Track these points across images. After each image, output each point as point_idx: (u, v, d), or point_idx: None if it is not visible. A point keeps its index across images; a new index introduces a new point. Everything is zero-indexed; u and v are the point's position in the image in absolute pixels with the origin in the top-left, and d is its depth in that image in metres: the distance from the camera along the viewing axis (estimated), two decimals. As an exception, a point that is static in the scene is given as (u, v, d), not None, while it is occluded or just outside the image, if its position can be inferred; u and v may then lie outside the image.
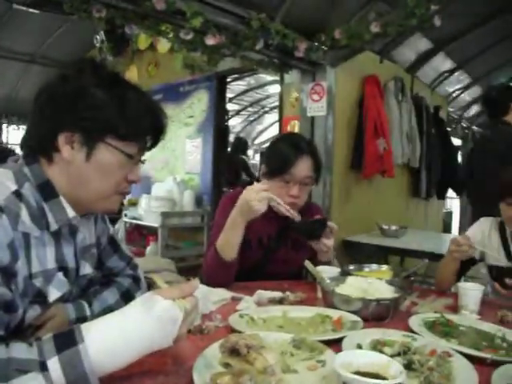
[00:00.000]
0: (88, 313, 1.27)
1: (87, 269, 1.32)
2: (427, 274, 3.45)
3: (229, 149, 7.31)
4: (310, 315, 1.52)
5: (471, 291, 1.75)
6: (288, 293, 1.79)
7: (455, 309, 1.77)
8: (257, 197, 1.80)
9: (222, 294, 1.72)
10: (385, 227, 4.60)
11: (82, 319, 1.21)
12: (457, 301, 1.78)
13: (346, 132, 4.51)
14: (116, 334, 0.94)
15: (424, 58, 5.40)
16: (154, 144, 1.26)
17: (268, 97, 9.68)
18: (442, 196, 6.26)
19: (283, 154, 2.04)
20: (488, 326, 1.53)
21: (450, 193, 6.59)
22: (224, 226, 1.91)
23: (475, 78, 6.71)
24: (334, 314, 1.53)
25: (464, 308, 1.73)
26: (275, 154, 2.11)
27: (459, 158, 7.00)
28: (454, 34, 5.10)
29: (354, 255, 4.32)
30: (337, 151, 4.36)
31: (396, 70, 5.15)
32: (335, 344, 1.27)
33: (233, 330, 1.36)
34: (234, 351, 1.06)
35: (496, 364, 1.21)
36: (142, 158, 1.26)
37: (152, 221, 4.91)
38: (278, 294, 1.76)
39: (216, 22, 3.29)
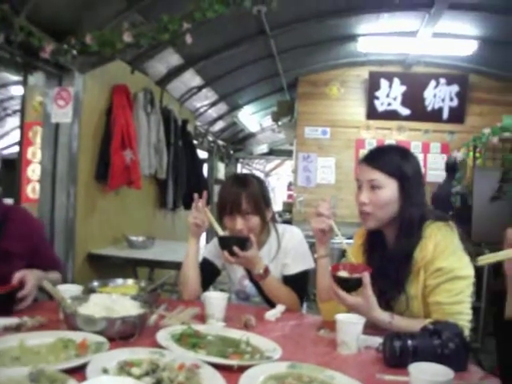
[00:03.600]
0: None
1: None
2: (176, 284, 3.50)
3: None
4: (50, 341, 1.37)
5: (215, 300, 1.80)
6: (26, 318, 1.58)
7: (203, 318, 1.79)
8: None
9: None
10: (132, 239, 4.54)
11: None
12: (203, 310, 1.81)
13: (92, 141, 4.32)
14: None
15: (175, 72, 5.55)
16: None
17: (12, 98, 8.84)
18: (188, 206, 6.47)
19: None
20: (233, 332, 1.58)
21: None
22: None
23: (221, 96, 7.17)
24: (78, 336, 1.40)
25: (211, 317, 1.76)
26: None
27: (205, 171, 7.38)
28: (204, 53, 5.36)
29: (101, 269, 4.15)
30: (82, 161, 4.13)
31: (147, 82, 5.16)
32: (80, 371, 1.16)
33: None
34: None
35: (244, 368, 1.25)
36: None
37: None
38: (13, 321, 1.55)
39: None
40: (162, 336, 1.48)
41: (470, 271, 1.66)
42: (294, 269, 2.20)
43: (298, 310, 2.17)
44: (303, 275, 2.21)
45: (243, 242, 2.03)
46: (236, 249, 2.00)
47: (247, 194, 2.11)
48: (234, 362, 1.31)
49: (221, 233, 2.09)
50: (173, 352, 1.34)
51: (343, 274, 1.65)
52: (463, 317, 1.63)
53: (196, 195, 2.15)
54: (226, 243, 2.05)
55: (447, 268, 1.63)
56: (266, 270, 2.09)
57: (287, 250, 2.22)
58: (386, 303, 1.73)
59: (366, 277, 1.58)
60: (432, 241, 1.68)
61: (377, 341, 1.49)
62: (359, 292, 1.62)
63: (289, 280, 2.20)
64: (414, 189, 1.75)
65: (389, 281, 1.73)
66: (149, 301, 1.76)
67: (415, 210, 1.73)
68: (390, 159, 1.76)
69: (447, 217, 1.79)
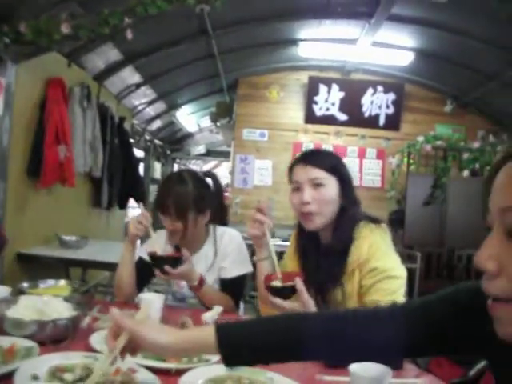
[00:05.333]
0: None
1: None
2: (111, 285, 3.41)
3: None
4: (-26, 346, 1.28)
5: (151, 301, 1.75)
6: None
7: (139, 321, 1.74)
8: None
9: None
10: (65, 238, 4.38)
11: None
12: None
13: (24, 135, 4.12)
14: None
15: (113, 68, 5.40)
16: None
17: None
18: (123, 206, 6.34)
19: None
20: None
21: (132, 203, 6.73)
22: None
23: (160, 94, 7.06)
24: (5, 341, 1.32)
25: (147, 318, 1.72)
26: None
27: (141, 170, 7.25)
28: (145, 50, 5.26)
29: (31, 270, 3.98)
30: (13, 156, 3.93)
31: (84, 76, 5.00)
32: (8, 379, 1.09)
33: None
34: None
35: (182, 372, 1.23)
36: None
37: None
38: None
39: None
40: (95, 339, 1.43)
41: (402, 271, 1.71)
42: (231, 272, 2.19)
43: (235, 313, 2.16)
44: (241, 279, 2.20)
45: (175, 261, 1.97)
46: (168, 268, 1.94)
47: (176, 197, 2.07)
48: (171, 365, 1.28)
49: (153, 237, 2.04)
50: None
51: (277, 283, 1.66)
52: None
53: (144, 212, 2.09)
54: (157, 262, 1.98)
55: (381, 268, 1.67)
56: (201, 281, 2.06)
57: (226, 254, 2.21)
58: (324, 304, 1.74)
59: (299, 283, 1.59)
60: (366, 241, 1.71)
61: None
62: (296, 298, 1.62)
63: (226, 283, 2.18)
64: (351, 188, 1.80)
65: (324, 281, 1.75)
66: (82, 302, 1.69)
67: (353, 210, 1.78)
68: (328, 158, 1.81)
69: (379, 219, 1.83)
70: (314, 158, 1.80)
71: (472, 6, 4.60)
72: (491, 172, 0.70)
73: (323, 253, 1.80)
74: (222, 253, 2.21)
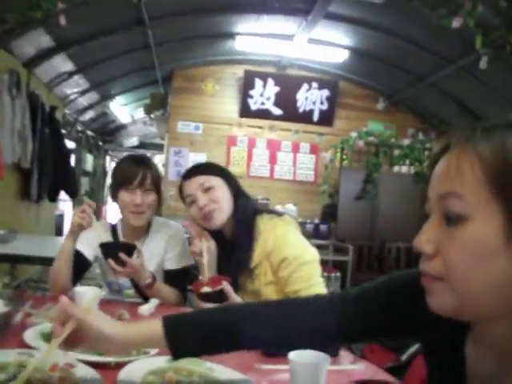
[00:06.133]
0: None
1: None
2: (42, 280, 3.30)
3: None
4: None
5: (86, 295, 1.72)
6: None
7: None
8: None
9: None
10: (-8, 232, 4.19)
11: None
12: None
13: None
14: None
15: (44, 55, 5.20)
16: None
17: None
18: (53, 199, 6.13)
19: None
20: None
21: (63, 196, 6.54)
22: None
23: (93, 84, 6.87)
24: None
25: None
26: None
27: (72, 161, 7.03)
28: (78, 38, 5.09)
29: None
30: None
31: (13, 62, 4.78)
32: None
33: None
34: None
35: (122, 365, 1.21)
36: None
37: None
38: None
39: None
40: (29, 335, 1.38)
41: (312, 254, 1.83)
42: (177, 264, 2.18)
43: (183, 306, 2.14)
44: (185, 271, 2.20)
45: (130, 249, 1.92)
46: (123, 255, 1.88)
47: (152, 172, 2.10)
48: (110, 358, 1.26)
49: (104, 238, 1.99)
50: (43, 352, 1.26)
51: (206, 289, 1.72)
52: None
53: (87, 200, 2.02)
54: (110, 250, 1.92)
55: (291, 256, 1.77)
56: (154, 278, 2.02)
57: (170, 245, 2.19)
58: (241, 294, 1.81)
59: (226, 285, 1.69)
60: (272, 234, 1.83)
61: None
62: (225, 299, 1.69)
63: (171, 275, 2.17)
64: (237, 184, 1.96)
65: (236, 274, 1.84)
66: (14, 298, 1.63)
67: (247, 203, 1.93)
68: (206, 165, 2.01)
69: (282, 212, 1.98)
70: (196, 169, 1.94)
71: (406, 10, 4.77)
72: (431, 163, 0.76)
73: (230, 247, 1.88)
74: (166, 244, 2.19)
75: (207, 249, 1.84)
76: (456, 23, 4.22)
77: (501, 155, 0.66)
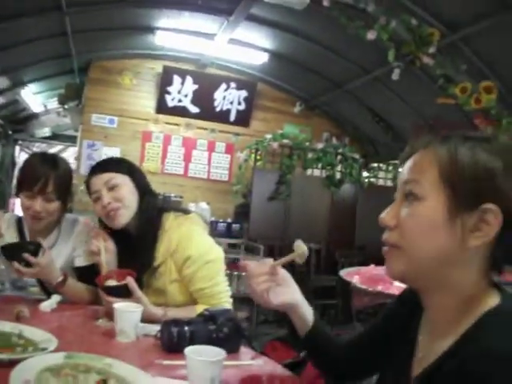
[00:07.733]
0: None
1: None
2: None
3: None
4: None
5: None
6: None
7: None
8: None
9: None
10: None
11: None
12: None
13: None
14: None
15: None
16: None
17: None
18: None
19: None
20: (3, 325, 1.46)
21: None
22: None
23: (3, 69, 6.50)
24: None
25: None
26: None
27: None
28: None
29: None
30: None
31: None
32: None
33: None
34: None
35: (15, 362, 1.17)
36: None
37: None
38: None
39: None
40: None
41: (217, 252, 1.88)
42: (87, 260, 2.12)
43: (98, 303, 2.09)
44: (96, 267, 2.14)
45: (35, 249, 1.80)
46: (28, 256, 1.77)
47: (56, 177, 1.95)
48: (3, 355, 1.22)
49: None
50: None
51: (111, 282, 1.71)
52: (224, 295, 1.85)
53: None
54: (13, 252, 1.79)
55: (195, 255, 1.80)
56: (65, 275, 1.93)
57: (79, 241, 2.12)
58: (148, 291, 1.81)
59: (131, 282, 1.69)
60: (176, 232, 1.85)
61: (155, 328, 1.53)
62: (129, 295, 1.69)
63: (81, 272, 2.09)
64: (143, 179, 1.96)
65: (140, 270, 1.82)
66: None
67: (153, 201, 1.93)
68: (113, 161, 2.04)
69: (189, 210, 2.03)
70: (103, 165, 1.93)
71: (325, 18, 4.93)
72: (401, 161, 0.96)
73: (134, 245, 1.88)
74: (74, 240, 2.12)
75: (105, 248, 1.82)
76: (371, 35, 4.46)
77: (453, 156, 0.86)
